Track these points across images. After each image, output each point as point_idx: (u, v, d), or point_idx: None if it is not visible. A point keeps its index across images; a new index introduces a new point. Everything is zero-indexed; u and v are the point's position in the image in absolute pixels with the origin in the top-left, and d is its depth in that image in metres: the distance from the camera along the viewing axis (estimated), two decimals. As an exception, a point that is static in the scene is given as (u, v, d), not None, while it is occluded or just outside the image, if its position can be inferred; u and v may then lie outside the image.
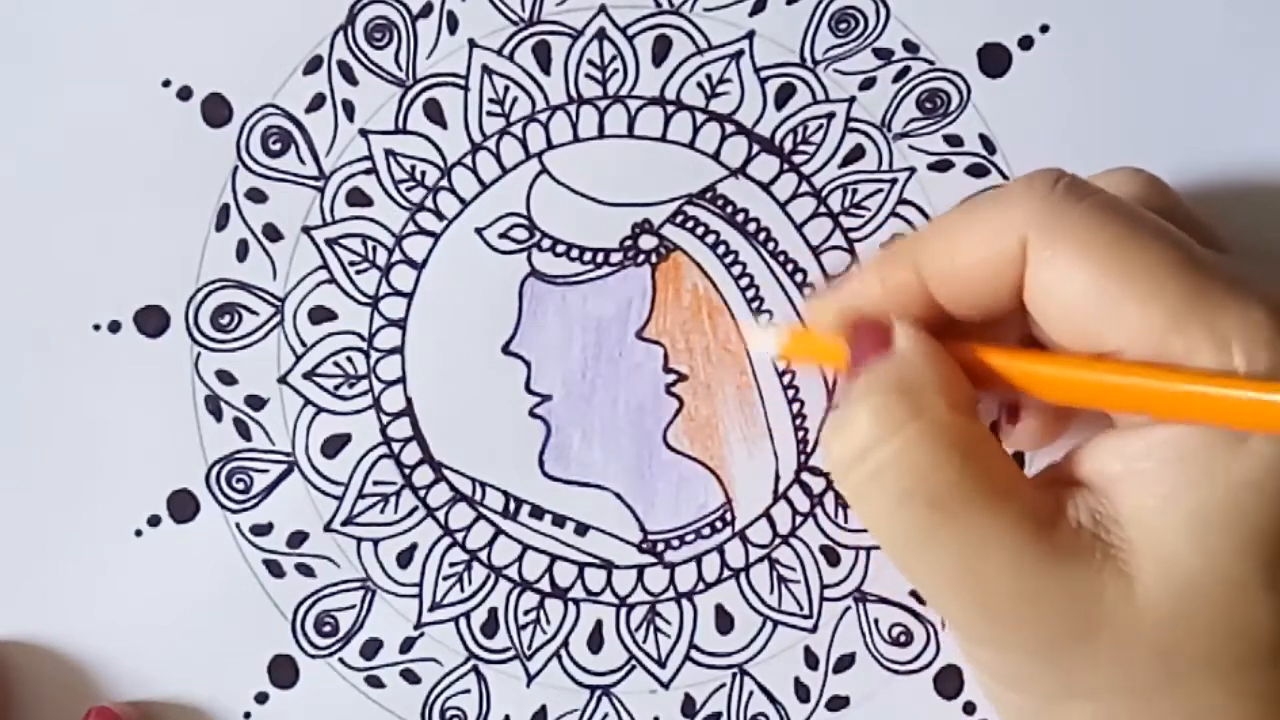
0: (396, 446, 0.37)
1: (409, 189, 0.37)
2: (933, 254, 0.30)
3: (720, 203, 0.37)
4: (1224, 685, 0.28)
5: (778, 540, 0.37)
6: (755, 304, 0.37)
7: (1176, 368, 0.27)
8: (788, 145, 0.37)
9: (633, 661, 0.37)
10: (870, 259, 0.33)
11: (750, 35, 0.37)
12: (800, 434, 0.37)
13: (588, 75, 0.37)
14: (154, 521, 0.37)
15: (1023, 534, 0.28)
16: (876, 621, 0.37)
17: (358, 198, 0.37)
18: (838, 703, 0.37)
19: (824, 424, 0.34)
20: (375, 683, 0.37)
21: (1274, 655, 0.28)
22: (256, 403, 0.37)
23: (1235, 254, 0.32)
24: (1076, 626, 0.28)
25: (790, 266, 0.37)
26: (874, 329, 0.31)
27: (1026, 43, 0.37)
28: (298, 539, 0.37)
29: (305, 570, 0.37)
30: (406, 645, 0.37)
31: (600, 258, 0.37)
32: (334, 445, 0.37)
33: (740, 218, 0.37)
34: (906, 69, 0.37)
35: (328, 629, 0.37)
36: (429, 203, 0.37)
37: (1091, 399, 0.29)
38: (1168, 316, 0.27)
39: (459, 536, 0.37)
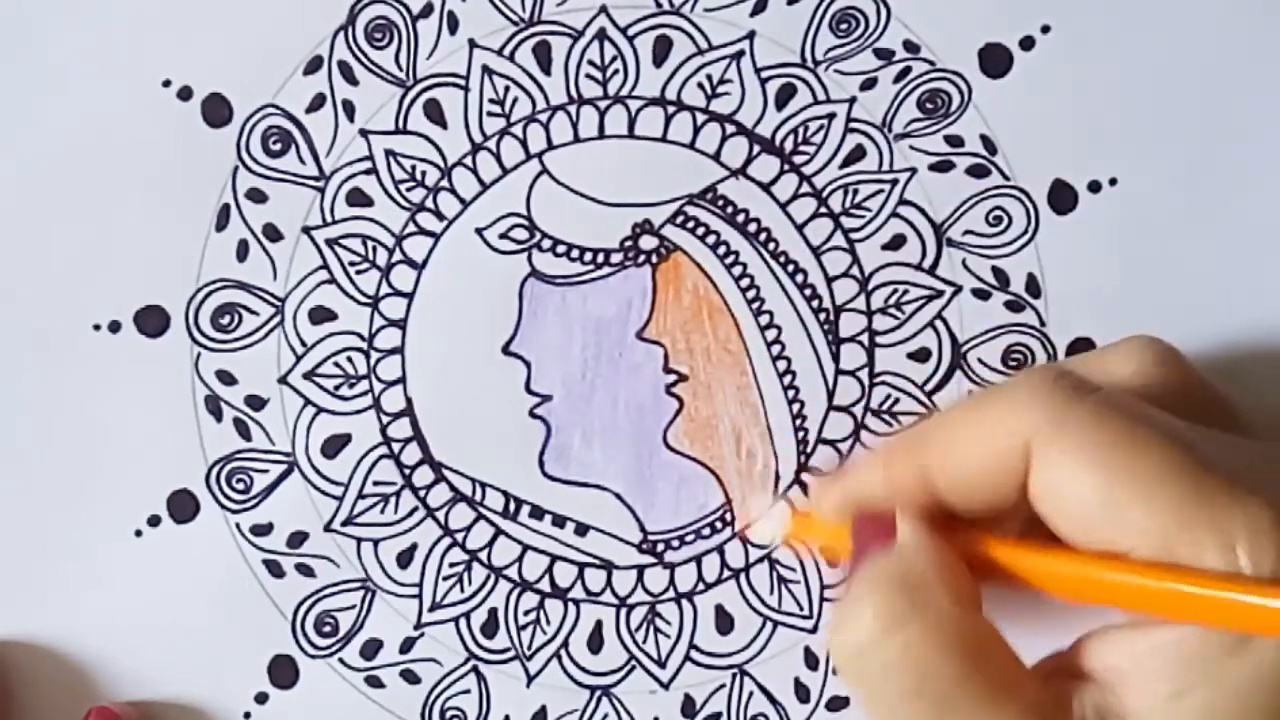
0: (396, 447, 0.37)
1: (409, 189, 0.37)
2: (936, 451, 0.31)
3: (721, 203, 0.37)
4: None
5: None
6: (756, 304, 0.37)
7: (1183, 569, 0.27)
8: (788, 146, 0.37)
9: (633, 662, 0.37)
10: (874, 449, 0.34)
11: (751, 35, 0.37)
12: (800, 434, 0.37)
13: (588, 75, 0.37)
14: (154, 521, 0.37)
15: None
16: (876, 622, 0.37)
17: (358, 198, 0.37)
18: (838, 703, 0.37)
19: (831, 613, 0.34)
20: (375, 683, 0.37)
21: None
22: (256, 403, 0.37)
23: (1255, 436, 0.32)
24: None
25: (791, 267, 0.37)
26: (877, 520, 0.31)
27: (1028, 43, 0.37)
28: (298, 539, 0.37)
29: (305, 570, 0.37)
30: (406, 645, 0.37)
31: (600, 258, 0.37)
32: (334, 445, 0.37)
33: (741, 218, 0.37)
34: (907, 69, 0.37)
35: (328, 629, 0.37)
36: (429, 203, 0.37)
37: (1097, 596, 0.29)
38: (1173, 519, 0.27)
39: (459, 537, 0.37)
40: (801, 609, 0.37)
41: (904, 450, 0.31)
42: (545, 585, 0.37)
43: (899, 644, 0.29)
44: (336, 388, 0.37)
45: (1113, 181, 0.37)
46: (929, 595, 0.29)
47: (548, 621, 0.37)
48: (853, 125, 0.37)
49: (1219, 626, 0.27)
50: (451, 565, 0.37)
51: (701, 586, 0.37)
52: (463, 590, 0.37)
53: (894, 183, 0.37)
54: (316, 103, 0.37)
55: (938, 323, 0.37)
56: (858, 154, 0.37)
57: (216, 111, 0.37)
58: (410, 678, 0.37)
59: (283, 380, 0.37)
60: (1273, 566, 0.26)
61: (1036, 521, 0.30)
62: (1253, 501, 0.27)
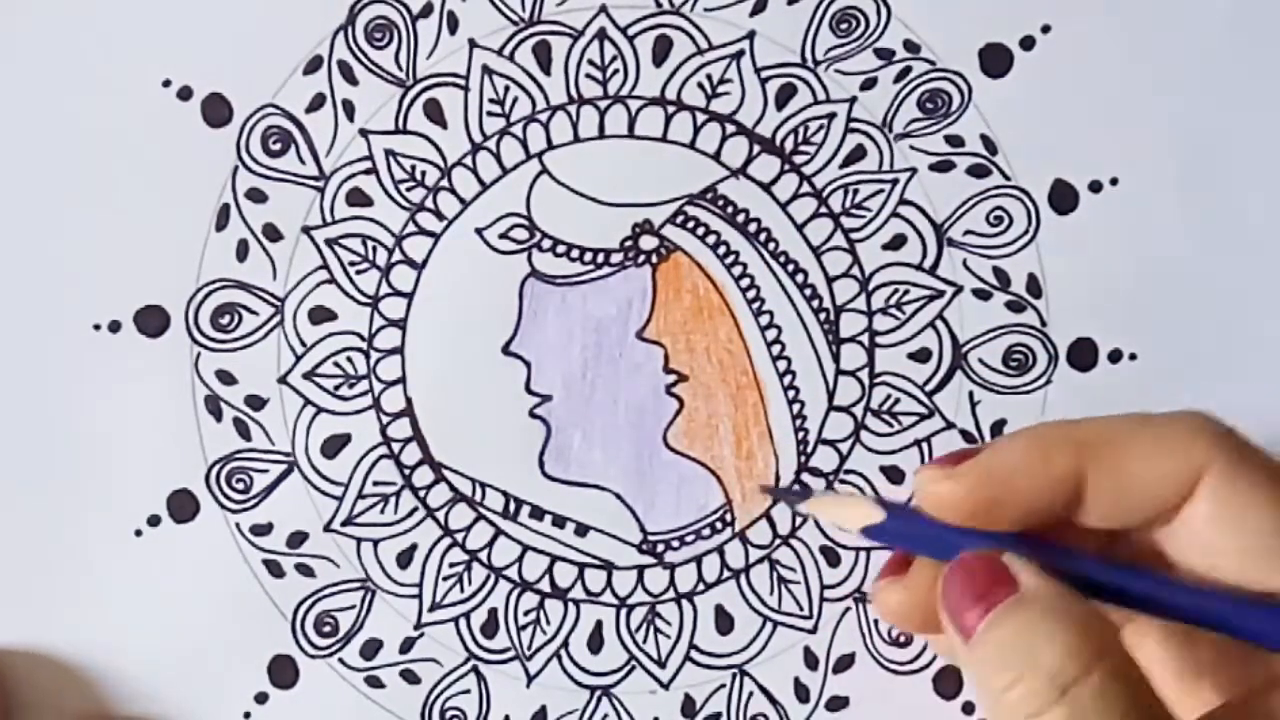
0: (396, 447, 0.37)
1: (409, 189, 0.37)
2: (1105, 451, 0.29)
3: (721, 203, 0.37)
4: None
5: (778, 541, 0.37)
6: (756, 304, 0.37)
7: None
8: (788, 145, 0.37)
9: (633, 662, 0.37)
10: (1020, 434, 0.31)
11: (751, 35, 0.37)
12: (800, 434, 0.37)
13: (588, 75, 0.37)
14: (154, 521, 0.37)
15: None
16: (876, 622, 0.37)
17: (358, 198, 0.37)
18: (837, 703, 0.37)
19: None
20: (375, 683, 0.37)
21: None
22: (256, 403, 0.37)
23: None
24: None
25: (791, 267, 0.37)
26: (993, 566, 0.29)
27: (1028, 43, 0.37)
28: (298, 539, 0.37)
29: (305, 570, 0.37)
30: (406, 645, 0.37)
31: (600, 258, 0.37)
32: (334, 445, 0.37)
33: (741, 218, 0.37)
34: (908, 69, 0.37)
35: (328, 629, 0.37)
36: (429, 203, 0.37)
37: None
38: None
39: (459, 537, 0.37)
40: (801, 609, 0.37)
41: (1068, 447, 0.29)
42: (545, 585, 0.37)
43: (1094, 682, 0.26)
44: (336, 388, 0.37)
45: (1114, 181, 0.37)
46: (1103, 638, 0.27)
47: (548, 621, 0.37)
48: (853, 125, 0.37)
49: None
50: (451, 565, 0.37)
51: (701, 586, 0.37)
52: (463, 590, 0.37)
53: (894, 183, 0.37)
54: (316, 102, 0.37)
55: (938, 323, 0.37)
56: (858, 154, 0.37)
57: (216, 111, 0.37)
58: (410, 678, 0.37)
59: (282, 380, 0.37)
60: None
61: (1107, 543, 0.30)
62: None
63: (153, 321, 0.37)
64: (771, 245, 0.37)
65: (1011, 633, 0.27)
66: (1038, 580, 0.28)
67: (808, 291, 0.37)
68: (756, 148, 0.37)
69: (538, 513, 0.37)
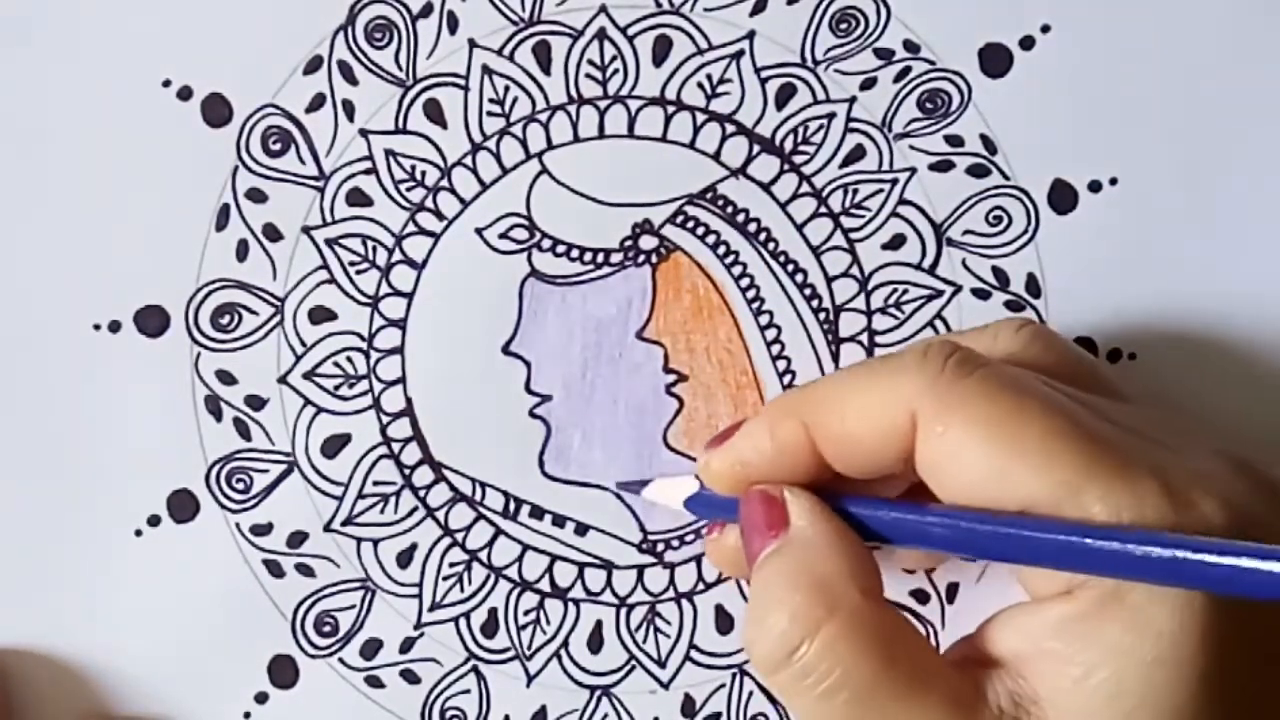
0: (396, 446, 0.37)
1: (409, 189, 0.37)
2: (822, 414, 0.31)
3: (721, 203, 0.37)
4: None
5: (778, 541, 0.37)
6: (756, 304, 0.37)
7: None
8: (788, 145, 0.37)
9: (633, 662, 0.37)
10: (762, 411, 0.33)
11: (751, 35, 0.37)
12: (800, 434, 0.37)
13: (588, 75, 0.37)
14: (154, 521, 0.37)
15: None
16: (876, 622, 0.37)
17: (358, 198, 0.37)
18: (837, 703, 0.37)
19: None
20: (375, 683, 0.37)
21: None
22: (256, 403, 0.37)
23: (1132, 404, 0.32)
24: None
25: (791, 267, 0.37)
26: (768, 506, 0.31)
27: (1028, 43, 0.37)
28: (298, 539, 0.37)
29: (305, 570, 0.37)
30: (406, 645, 0.37)
31: (600, 258, 0.37)
32: (334, 445, 0.37)
33: (741, 218, 0.37)
34: (907, 69, 0.37)
35: (328, 629, 0.37)
36: (429, 203, 0.37)
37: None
38: (1060, 490, 0.27)
39: (459, 537, 0.37)
40: (801, 609, 0.37)
41: (790, 413, 0.31)
42: (545, 585, 0.37)
43: (817, 646, 0.28)
44: (336, 388, 0.37)
45: (1113, 181, 0.37)
46: (839, 591, 0.29)
47: (548, 621, 0.37)
48: (853, 125, 0.37)
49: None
50: (451, 565, 0.37)
51: (701, 586, 0.37)
52: (463, 590, 0.37)
53: (894, 182, 0.37)
54: (316, 102, 0.37)
55: (937, 322, 0.37)
56: (858, 154, 0.37)
57: (216, 111, 0.37)
58: (410, 678, 0.37)
59: (282, 380, 0.37)
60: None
61: (921, 484, 0.30)
62: (1139, 472, 0.27)
63: (153, 321, 0.37)
64: (771, 245, 0.37)
65: (769, 573, 0.30)
66: (803, 523, 0.30)
67: (807, 291, 0.37)
68: (756, 148, 0.37)
69: (538, 512, 0.37)
